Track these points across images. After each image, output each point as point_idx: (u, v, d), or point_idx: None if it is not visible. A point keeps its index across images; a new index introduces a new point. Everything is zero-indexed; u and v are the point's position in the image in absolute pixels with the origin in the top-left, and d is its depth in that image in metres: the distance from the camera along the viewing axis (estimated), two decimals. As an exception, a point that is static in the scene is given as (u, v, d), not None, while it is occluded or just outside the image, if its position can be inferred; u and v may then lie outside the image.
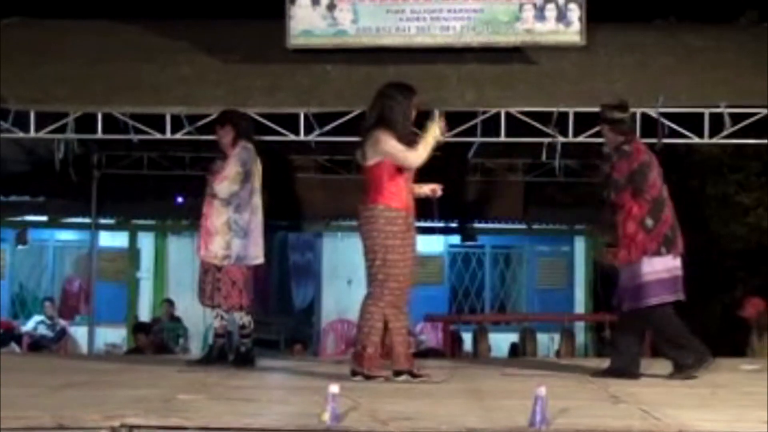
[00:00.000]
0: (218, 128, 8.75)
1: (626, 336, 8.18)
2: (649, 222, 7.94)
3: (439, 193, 7.74)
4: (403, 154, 7.38)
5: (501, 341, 15.49)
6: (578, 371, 8.61)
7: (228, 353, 8.71)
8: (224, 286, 8.53)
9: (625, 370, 8.09)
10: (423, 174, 7.70)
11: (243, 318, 8.65)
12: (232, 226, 8.52)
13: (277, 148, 12.56)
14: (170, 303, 16.20)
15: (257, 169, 8.64)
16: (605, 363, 8.51)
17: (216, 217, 8.53)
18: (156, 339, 14.79)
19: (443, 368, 8.59)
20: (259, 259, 8.64)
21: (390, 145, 7.38)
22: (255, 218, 8.60)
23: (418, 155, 7.41)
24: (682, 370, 8.01)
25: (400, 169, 7.45)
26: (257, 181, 8.62)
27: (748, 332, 12.47)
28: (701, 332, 8.27)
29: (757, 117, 10.28)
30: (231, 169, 8.49)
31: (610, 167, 8.06)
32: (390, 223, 7.50)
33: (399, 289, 7.57)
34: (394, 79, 7.94)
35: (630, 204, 7.99)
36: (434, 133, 7.44)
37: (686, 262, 8.05)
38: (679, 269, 8.01)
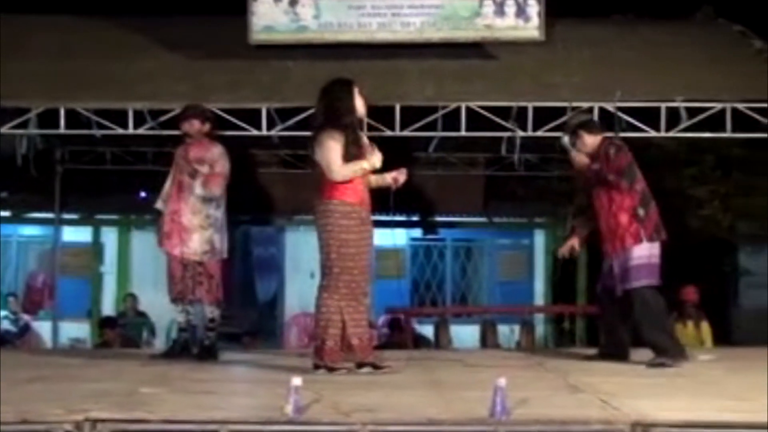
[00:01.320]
0: (193, 119, 8.64)
1: (615, 321, 8.37)
2: (641, 211, 8.18)
3: (402, 179, 7.74)
4: (329, 168, 7.47)
5: (462, 333, 15.53)
6: (536, 362, 8.66)
7: (191, 347, 8.69)
8: (206, 280, 8.54)
9: (615, 353, 8.32)
10: (384, 169, 7.73)
11: (213, 312, 8.65)
12: (212, 222, 8.52)
13: (239, 143, 12.54)
14: (133, 297, 16.12)
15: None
16: (566, 352, 8.57)
17: (192, 214, 8.51)
18: (123, 333, 14.75)
19: (403, 359, 8.60)
20: (225, 253, 8.69)
21: (325, 153, 7.50)
22: (224, 214, 8.62)
23: (342, 174, 7.48)
24: (661, 356, 8.11)
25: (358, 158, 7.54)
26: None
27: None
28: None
29: (711, 111, 10.34)
30: (224, 167, 8.50)
31: (602, 165, 8.14)
32: (345, 217, 7.55)
33: (354, 282, 7.60)
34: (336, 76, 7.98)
35: (621, 197, 8.16)
36: (372, 162, 7.52)
37: (665, 249, 8.25)
38: (659, 256, 8.26)
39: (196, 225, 8.52)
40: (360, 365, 7.63)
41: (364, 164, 7.51)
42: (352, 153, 7.52)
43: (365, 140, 7.68)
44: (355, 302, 7.64)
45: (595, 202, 8.31)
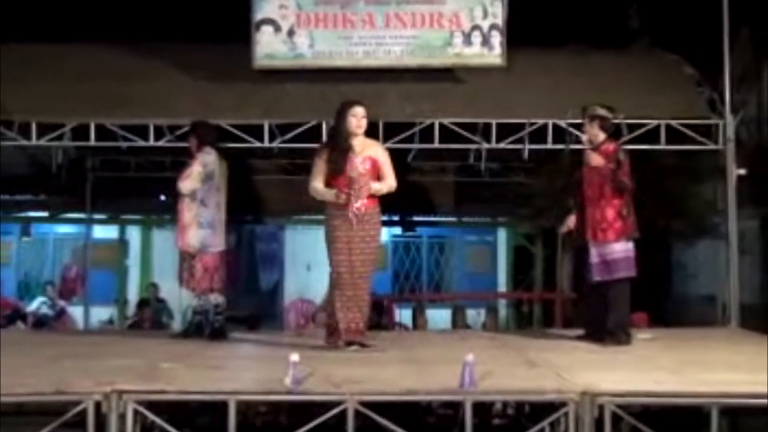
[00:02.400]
0: (189, 136, 8.83)
1: (594, 306, 8.31)
2: (625, 211, 8.18)
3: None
4: (308, 181, 7.67)
5: (436, 316, 15.52)
6: (500, 341, 8.66)
7: (204, 328, 8.67)
8: (197, 272, 8.50)
9: (595, 335, 8.22)
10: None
11: (217, 298, 8.61)
12: (199, 219, 8.48)
13: (244, 154, 12.52)
14: (155, 286, 16.07)
15: (221, 170, 8.59)
16: (528, 333, 8.55)
17: (187, 212, 8.49)
18: (154, 315, 14.80)
19: (386, 339, 8.59)
20: (220, 246, 8.61)
21: (313, 166, 7.69)
22: (218, 213, 8.57)
23: (311, 191, 7.64)
24: (615, 339, 8.11)
25: (334, 177, 7.53)
26: (220, 181, 8.58)
27: None
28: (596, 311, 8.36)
29: (648, 127, 10.38)
30: (193, 169, 8.48)
31: (616, 167, 8.11)
32: (335, 219, 7.58)
33: (347, 274, 7.59)
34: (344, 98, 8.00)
35: (613, 195, 8.13)
36: (333, 195, 7.52)
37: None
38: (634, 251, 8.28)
39: (189, 222, 8.48)
40: (349, 343, 7.63)
41: (331, 193, 7.52)
42: (330, 168, 7.57)
43: (353, 156, 7.57)
44: (351, 292, 7.62)
45: (587, 194, 8.22)
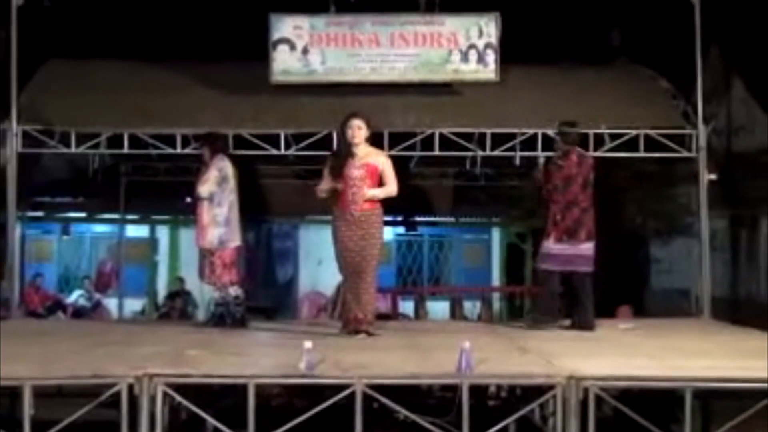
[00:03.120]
0: (201, 146, 8.90)
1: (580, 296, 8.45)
2: (592, 212, 8.34)
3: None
4: None
5: (436, 308, 15.53)
6: (493, 330, 8.65)
7: (226, 318, 8.66)
8: (217, 267, 8.50)
9: (586, 324, 8.32)
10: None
11: (237, 290, 8.61)
12: (216, 219, 8.49)
13: (262, 161, 12.52)
14: (181, 280, 16.09)
15: (233, 175, 8.61)
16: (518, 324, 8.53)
17: (205, 213, 8.51)
18: (181, 306, 14.83)
19: (390, 328, 8.58)
20: (237, 242, 8.62)
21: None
22: (232, 212, 8.58)
23: (317, 191, 7.74)
24: (578, 325, 8.28)
25: (336, 181, 7.58)
26: (232, 184, 8.60)
27: None
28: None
29: (628, 136, 10.36)
30: (210, 174, 8.52)
31: (585, 170, 8.42)
32: (336, 219, 7.67)
33: (346, 270, 7.64)
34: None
35: (586, 199, 8.39)
36: (327, 190, 7.66)
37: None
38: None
39: (208, 222, 8.50)
40: (356, 332, 7.62)
41: (322, 194, 7.69)
42: (333, 174, 7.64)
43: (352, 163, 7.58)
44: (354, 286, 7.63)
45: (568, 197, 8.31)
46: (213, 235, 8.48)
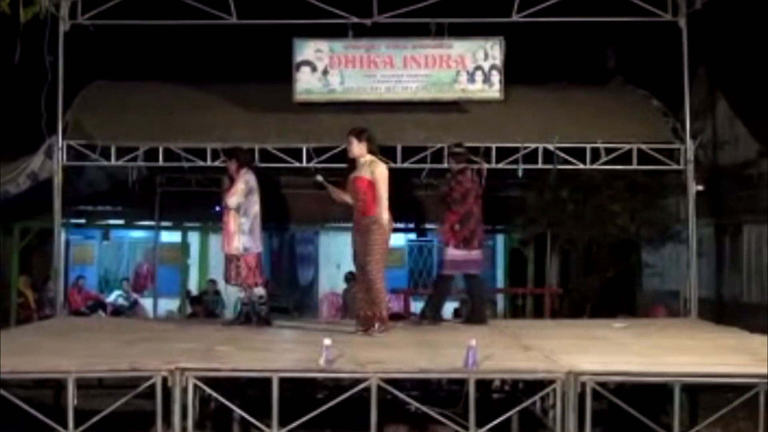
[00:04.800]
0: (227, 159, 8.89)
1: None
2: (457, 227, 8.53)
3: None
4: None
5: (444, 308, 15.44)
6: (498, 328, 8.63)
7: (252, 316, 8.68)
8: (243, 270, 8.54)
9: (479, 320, 8.65)
10: (391, 191, 7.75)
11: (260, 291, 8.64)
12: (242, 227, 8.52)
13: (287, 173, 12.52)
14: (213, 282, 16.10)
15: (257, 187, 8.64)
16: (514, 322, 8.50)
17: (232, 222, 8.54)
18: (206, 307, 14.81)
19: (402, 327, 8.57)
20: (259, 248, 8.68)
21: None
22: (255, 222, 8.63)
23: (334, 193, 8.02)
24: (473, 320, 8.66)
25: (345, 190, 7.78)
26: (256, 195, 8.63)
27: None
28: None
29: (622, 150, 10.33)
30: (238, 186, 8.56)
31: (477, 185, 8.80)
32: (353, 228, 7.86)
33: (359, 274, 7.77)
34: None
35: (480, 209, 8.70)
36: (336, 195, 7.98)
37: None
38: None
39: (235, 230, 8.55)
40: (367, 329, 7.59)
41: (336, 197, 8.05)
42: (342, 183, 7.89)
43: (356, 174, 7.71)
44: (365, 288, 7.62)
45: (465, 209, 8.58)
46: (238, 242, 8.51)
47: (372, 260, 7.56)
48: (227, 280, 8.79)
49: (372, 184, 7.61)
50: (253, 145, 9.72)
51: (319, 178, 8.14)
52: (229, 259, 8.59)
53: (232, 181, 8.63)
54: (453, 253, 8.52)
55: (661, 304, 12.52)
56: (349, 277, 14.05)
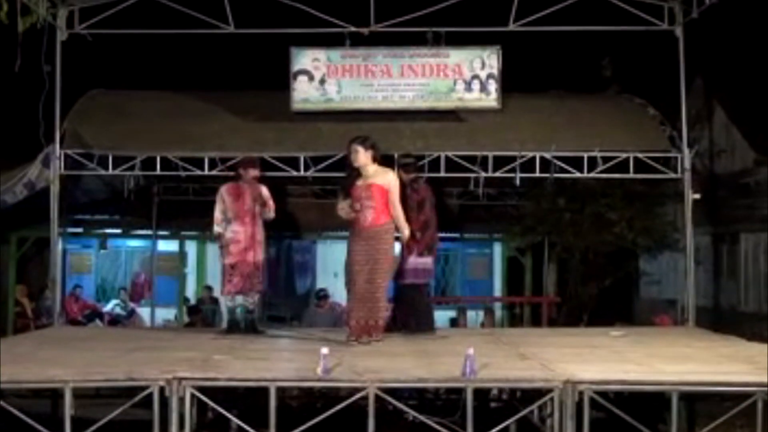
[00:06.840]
0: (251, 167, 8.76)
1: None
2: (419, 234, 8.36)
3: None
4: None
5: (442, 317, 15.45)
6: (495, 337, 8.62)
7: (239, 324, 8.69)
8: (234, 278, 8.57)
9: (426, 329, 8.50)
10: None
11: (246, 299, 8.67)
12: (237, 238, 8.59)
13: (284, 182, 12.52)
14: (210, 289, 16.08)
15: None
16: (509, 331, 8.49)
17: (260, 232, 8.57)
18: (203, 318, 14.79)
19: (399, 336, 8.55)
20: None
21: None
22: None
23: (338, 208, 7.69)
24: (420, 329, 8.45)
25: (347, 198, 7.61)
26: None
27: None
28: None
29: (619, 159, 10.35)
30: (269, 199, 8.64)
31: (431, 194, 8.66)
32: (350, 236, 7.69)
33: (355, 282, 7.54)
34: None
35: (434, 218, 8.58)
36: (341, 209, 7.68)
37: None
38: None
39: (261, 239, 8.55)
40: (362, 339, 7.53)
41: (339, 211, 7.70)
42: (344, 194, 7.69)
43: (359, 183, 7.58)
44: (361, 298, 7.56)
45: (423, 218, 8.48)
46: (261, 249, 8.58)
47: (381, 269, 7.48)
48: (245, 291, 8.65)
49: (388, 192, 7.55)
50: (251, 155, 9.71)
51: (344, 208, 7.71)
52: (255, 268, 8.53)
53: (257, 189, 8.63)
54: (416, 261, 8.45)
55: (666, 313, 12.51)
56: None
